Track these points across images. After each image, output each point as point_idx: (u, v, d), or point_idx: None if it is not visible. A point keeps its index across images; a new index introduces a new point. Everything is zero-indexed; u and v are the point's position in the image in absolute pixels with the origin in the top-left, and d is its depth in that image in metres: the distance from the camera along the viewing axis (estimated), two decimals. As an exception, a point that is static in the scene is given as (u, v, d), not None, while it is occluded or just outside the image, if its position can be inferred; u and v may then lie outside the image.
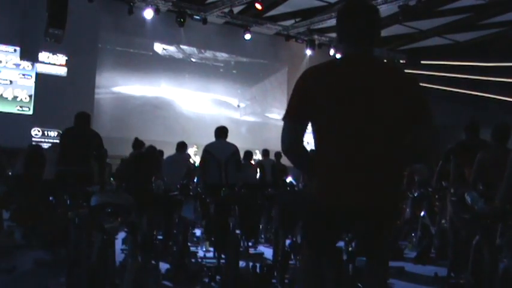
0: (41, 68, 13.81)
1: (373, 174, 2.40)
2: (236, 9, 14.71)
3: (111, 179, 10.16)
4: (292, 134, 2.51)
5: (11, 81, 13.41)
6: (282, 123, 2.56)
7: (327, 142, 2.48)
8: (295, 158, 2.57)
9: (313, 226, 2.62)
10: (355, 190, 2.40)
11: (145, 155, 7.60)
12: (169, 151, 10.89)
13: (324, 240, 2.60)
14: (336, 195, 2.44)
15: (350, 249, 2.74)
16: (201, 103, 16.64)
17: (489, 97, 15.74)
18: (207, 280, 5.68)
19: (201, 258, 7.18)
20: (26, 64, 13.65)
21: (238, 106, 17.42)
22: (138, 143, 8.87)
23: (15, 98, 13.42)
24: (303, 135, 2.50)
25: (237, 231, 5.98)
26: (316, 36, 16.77)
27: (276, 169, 10.54)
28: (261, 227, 9.34)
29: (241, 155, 7.93)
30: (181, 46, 16.17)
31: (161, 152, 10.09)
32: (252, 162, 10.62)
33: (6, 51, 13.40)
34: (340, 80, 2.46)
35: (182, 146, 9.56)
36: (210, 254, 7.23)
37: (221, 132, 7.31)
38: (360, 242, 2.60)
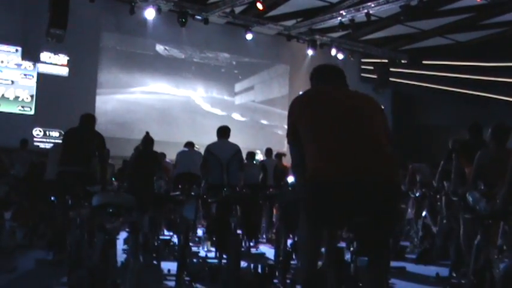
0: (42, 68, 13.80)
1: (364, 155, 2.78)
2: (238, 9, 14.70)
3: (113, 179, 10.17)
4: (295, 157, 3.12)
5: (12, 81, 13.41)
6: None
7: (317, 136, 2.91)
8: (296, 175, 3.25)
9: (314, 201, 2.87)
10: (349, 165, 2.76)
11: (146, 154, 7.53)
12: (170, 151, 10.90)
13: (325, 212, 2.85)
14: (331, 170, 2.78)
15: (352, 249, 2.75)
16: (203, 103, 16.64)
17: (490, 97, 15.71)
18: (208, 280, 5.68)
19: (202, 258, 7.19)
20: (28, 64, 13.64)
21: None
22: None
23: (16, 98, 13.42)
24: (304, 154, 2.96)
25: (239, 231, 5.98)
26: (317, 36, 16.76)
27: (278, 169, 10.55)
28: (263, 226, 9.35)
29: (244, 155, 7.92)
30: (182, 46, 16.16)
31: (163, 154, 10.11)
32: (254, 162, 10.61)
33: (7, 51, 13.40)
34: (325, 97, 3.06)
35: (190, 144, 9.87)
36: (212, 254, 7.24)
37: (223, 132, 7.30)
38: (362, 232, 2.81)
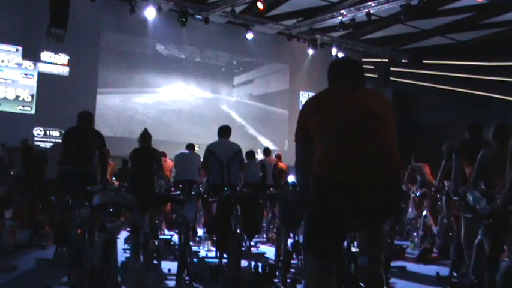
0: (43, 68, 13.81)
1: (374, 157, 2.81)
2: (238, 9, 14.70)
3: (113, 178, 10.18)
4: (300, 155, 3.12)
5: (13, 81, 13.41)
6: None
7: (330, 136, 2.92)
8: (299, 174, 3.19)
9: (322, 198, 2.88)
10: (356, 163, 2.79)
11: (144, 151, 7.36)
12: (170, 151, 10.90)
13: (331, 234, 2.85)
14: (339, 168, 2.81)
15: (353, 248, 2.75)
16: (203, 103, 16.63)
17: (491, 96, 15.70)
18: (208, 280, 5.67)
19: (203, 257, 7.18)
20: (28, 64, 13.64)
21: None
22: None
23: (17, 97, 13.43)
24: (309, 153, 3.00)
25: (239, 231, 5.97)
26: (318, 36, 16.76)
27: (277, 169, 10.55)
28: (263, 226, 9.35)
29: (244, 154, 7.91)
30: (183, 46, 16.15)
31: (163, 153, 10.09)
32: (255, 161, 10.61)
33: (8, 51, 13.40)
34: (340, 99, 3.05)
35: (191, 146, 9.94)
36: (212, 254, 7.24)
37: (224, 131, 7.29)
38: (363, 232, 2.89)
